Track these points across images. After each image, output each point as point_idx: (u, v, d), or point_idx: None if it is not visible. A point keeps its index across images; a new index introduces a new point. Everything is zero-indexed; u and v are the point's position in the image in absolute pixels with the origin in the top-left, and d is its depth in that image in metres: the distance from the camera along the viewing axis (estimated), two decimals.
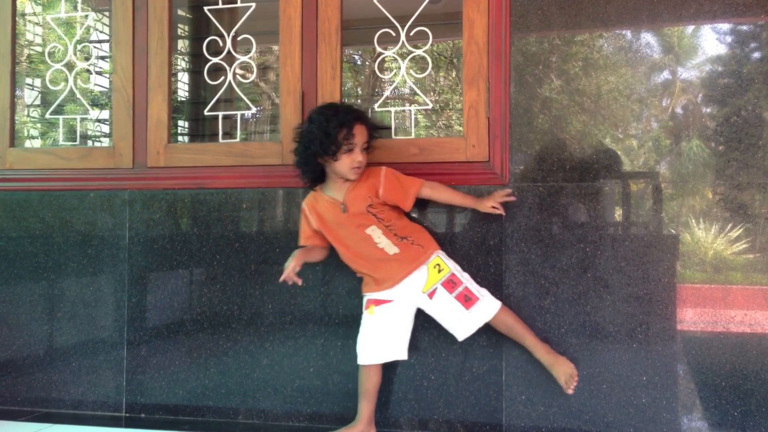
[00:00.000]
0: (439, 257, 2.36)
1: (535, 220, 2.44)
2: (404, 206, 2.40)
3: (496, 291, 2.43)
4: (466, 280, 2.35)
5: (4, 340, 2.93)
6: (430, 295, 2.33)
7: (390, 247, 2.34)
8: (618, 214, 2.44)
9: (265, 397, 2.68)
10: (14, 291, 2.93)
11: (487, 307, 2.32)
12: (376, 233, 2.34)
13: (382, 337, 2.39)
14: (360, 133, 2.34)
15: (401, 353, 2.41)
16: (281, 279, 2.33)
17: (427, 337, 2.51)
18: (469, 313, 2.31)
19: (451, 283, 2.33)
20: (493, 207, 2.37)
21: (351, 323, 2.59)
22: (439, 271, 2.34)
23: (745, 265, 2.33)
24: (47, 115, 3.46)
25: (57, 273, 2.88)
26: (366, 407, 2.42)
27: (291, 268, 2.33)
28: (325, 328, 2.64)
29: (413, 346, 2.49)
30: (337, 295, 2.63)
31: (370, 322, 2.40)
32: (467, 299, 2.31)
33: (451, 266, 2.36)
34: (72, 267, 2.87)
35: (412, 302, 2.38)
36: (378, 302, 2.38)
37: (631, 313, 2.38)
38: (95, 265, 2.85)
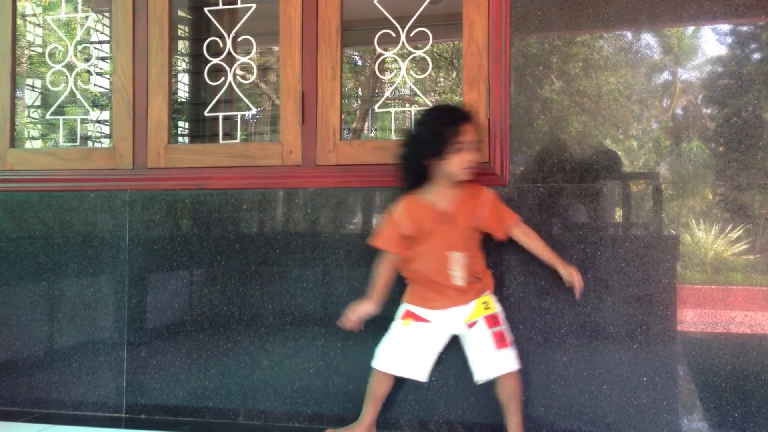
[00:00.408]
0: (490, 297, 2.34)
1: (536, 221, 2.44)
2: (499, 235, 2.36)
3: (496, 292, 2.43)
4: (506, 328, 2.33)
5: (5, 340, 2.93)
6: (470, 325, 2.30)
7: (459, 280, 2.28)
8: (618, 215, 2.44)
9: (265, 398, 2.68)
10: (14, 292, 2.93)
11: (511, 359, 2.29)
12: (458, 261, 2.29)
13: (409, 353, 2.35)
14: (470, 132, 2.28)
15: (421, 375, 2.36)
16: (347, 325, 2.36)
17: None
18: (496, 353, 2.27)
19: (492, 321, 2.29)
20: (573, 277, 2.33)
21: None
22: (486, 308, 2.31)
23: (746, 266, 2.33)
24: (47, 116, 3.46)
25: (57, 274, 2.88)
26: (370, 411, 2.41)
27: (357, 319, 2.35)
28: (325, 329, 2.63)
29: None
30: (337, 296, 2.62)
31: (403, 333, 2.35)
32: (500, 340, 2.28)
33: (498, 309, 2.34)
34: (72, 268, 2.87)
35: (449, 329, 2.35)
36: (417, 318, 2.33)
37: (631, 314, 2.38)
38: (95, 265, 2.85)
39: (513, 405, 2.31)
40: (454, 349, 2.48)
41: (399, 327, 2.37)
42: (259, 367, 2.68)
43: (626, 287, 2.38)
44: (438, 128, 2.28)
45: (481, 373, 2.32)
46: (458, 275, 2.28)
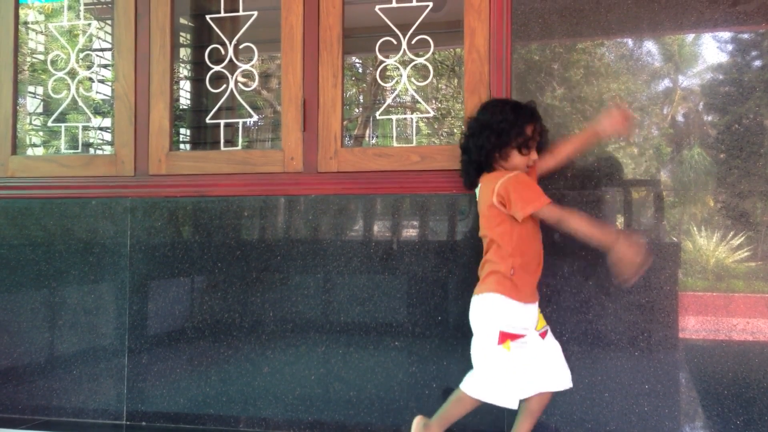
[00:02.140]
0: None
1: None
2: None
3: None
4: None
5: (6, 347, 2.93)
6: (542, 335, 2.21)
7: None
8: (619, 221, 2.44)
9: (266, 405, 2.67)
10: (16, 298, 2.93)
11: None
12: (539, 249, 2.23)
13: (513, 379, 2.14)
14: (536, 131, 2.22)
15: (517, 401, 2.16)
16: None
17: (428, 345, 2.51)
18: (566, 368, 2.24)
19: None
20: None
21: (352, 331, 2.58)
22: (542, 319, 2.26)
23: (747, 273, 2.32)
24: (49, 123, 3.46)
25: (58, 281, 2.88)
26: (527, 427, 2.25)
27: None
28: (326, 336, 2.63)
29: (414, 353, 2.49)
30: (338, 303, 2.62)
31: (506, 358, 2.13)
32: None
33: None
34: (73, 275, 2.87)
35: (536, 338, 2.21)
36: (513, 337, 2.13)
37: (633, 321, 2.37)
38: (96, 272, 2.85)
39: (538, 414, 2.24)
40: (455, 356, 2.48)
41: (500, 353, 2.13)
42: (260, 374, 2.68)
43: (628, 294, 2.37)
44: (520, 122, 2.19)
45: (564, 382, 2.22)
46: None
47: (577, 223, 2.11)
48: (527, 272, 2.17)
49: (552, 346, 2.24)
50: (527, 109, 2.23)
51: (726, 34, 2.40)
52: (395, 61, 2.77)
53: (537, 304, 2.22)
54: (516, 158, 2.19)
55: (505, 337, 2.13)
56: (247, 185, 2.75)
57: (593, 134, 2.30)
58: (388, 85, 2.65)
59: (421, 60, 2.80)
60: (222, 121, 2.94)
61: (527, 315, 2.17)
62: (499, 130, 2.18)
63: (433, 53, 2.79)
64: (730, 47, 2.39)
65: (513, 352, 2.13)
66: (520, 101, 2.30)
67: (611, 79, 2.47)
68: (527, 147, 2.18)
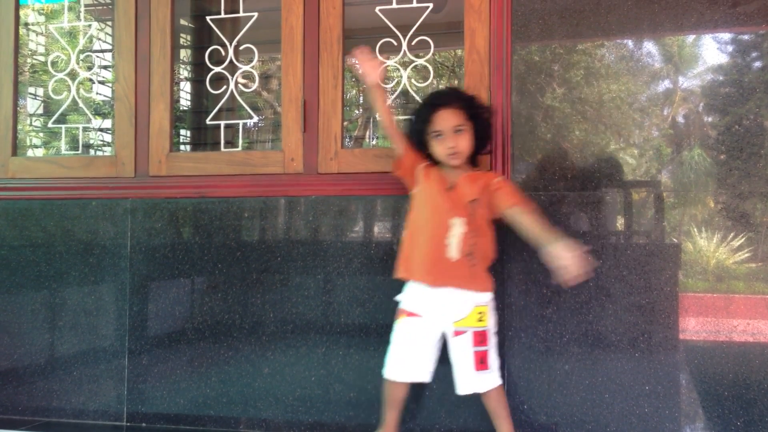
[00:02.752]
0: (487, 308, 2.27)
1: None
2: (511, 201, 2.26)
3: (498, 300, 2.43)
4: (491, 347, 2.27)
5: (6, 348, 2.93)
6: (457, 333, 2.24)
7: (453, 250, 2.22)
8: (620, 222, 2.44)
9: (266, 406, 2.67)
10: (16, 300, 2.93)
11: (490, 381, 2.25)
12: (456, 229, 2.22)
13: (406, 353, 2.29)
14: (444, 119, 2.25)
15: (423, 375, 2.30)
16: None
17: None
18: (475, 374, 2.23)
19: (479, 338, 2.24)
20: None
21: (352, 332, 2.58)
22: (479, 320, 2.24)
23: (748, 274, 2.32)
24: (50, 125, 3.46)
25: (58, 282, 2.88)
26: (390, 416, 2.35)
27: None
28: (326, 337, 2.63)
29: None
30: (338, 304, 2.62)
31: (398, 332, 2.31)
32: (481, 362, 2.23)
33: (490, 325, 2.28)
34: (73, 276, 2.87)
35: (440, 325, 2.28)
36: (409, 313, 2.29)
37: (633, 322, 2.37)
38: (97, 274, 2.85)
39: (500, 411, 2.28)
40: None
41: (396, 327, 2.32)
42: (261, 376, 2.68)
43: (628, 295, 2.37)
44: (415, 118, 2.34)
45: (460, 388, 2.28)
46: (454, 246, 2.22)
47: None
48: (413, 246, 2.29)
49: (460, 349, 2.24)
50: (433, 98, 2.35)
51: (726, 35, 2.40)
52: (395, 62, 2.77)
53: (450, 289, 2.24)
54: (434, 147, 2.29)
55: (401, 312, 2.31)
56: (248, 186, 2.75)
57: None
58: (388, 86, 2.65)
59: (421, 61, 2.80)
60: (222, 122, 2.94)
61: (424, 297, 2.26)
62: (408, 130, 2.37)
63: (434, 54, 2.79)
64: (730, 48, 2.39)
65: (403, 323, 2.29)
66: (431, 93, 2.43)
67: (611, 80, 2.47)
68: (434, 139, 2.28)
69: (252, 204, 2.73)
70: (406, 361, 2.30)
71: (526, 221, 2.23)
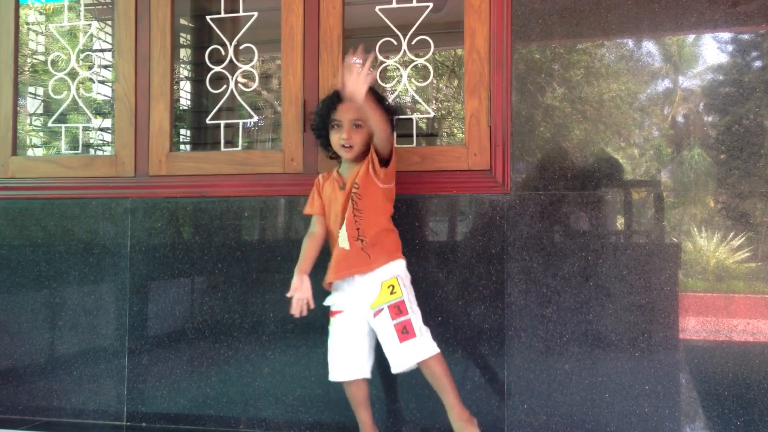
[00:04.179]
0: (397, 280, 2.22)
1: (537, 229, 2.44)
2: (376, 172, 2.25)
3: (498, 300, 2.43)
4: (413, 313, 2.20)
5: (6, 348, 2.93)
6: (376, 313, 2.21)
7: (343, 241, 2.27)
8: (620, 222, 2.44)
9: (266, 406, 2.67)
10: (16, 299, 2.93)
11: (421, 348, 2.17)
12: (341, 220, 2.28)
13: (340, 353, 2.32)
14: (345, 110, 2.29)
15: (360, 371, 2.30)
16: (295, 314, 2.26)
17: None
18: (401, 346, 2.16)
19: (396, 310, 2.19)
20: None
21: None
22: (392, 293, 2.21)
23: (748, 273, 2.32)
24: (50, 124, 3.46)
25: (59, 281, 2.88)
26: (361, 417, 2.36)
27: (300, 298, 2.26)
28: (326, 337, 2.62)
29: None
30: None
31: (331, 335, 2.35)
32: (404, 332, 2.16)
33: (405, 294, 2.21)
34: (74, 275, 2.87)
35: (362, 315, 2.27)
36: (333, 312, 2.33)
37: (633, 322, 2.37)
38: (97, 273, 2.85)
39: (443, 383, 2.20)
40: (456, 357, 2.48)
41: (329, 330, 2.36)
42: (261, 375, 2.68)
43: (628, 295, 2.37)
44: (320, 105, 2.40)
45: (393, 366, 2.20)
46: (343, 233, 2.27)
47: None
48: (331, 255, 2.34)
49: (382, 328, 2.21)
50: (327, 96, 2.40)
51: (726, 35, 2.40)
52: (395, 61, 2.77)
53: (351, 284, 2.28)
54: (331, 136, 2.34)
55: (330, 314, 2.35)
56: (248, 186, 2.75)
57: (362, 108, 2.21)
58: (388, 86, 2.65)
59: (421, 60, 2.80)
60: (222, 122, 2.94)
61: (340, 293, 2.32)
62: (320, 104, 2.43)
63: (434, 54, 2.79)
64: (730, 48, 2.39)
65: (333, 325, 2.34)
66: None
67: (611, 80, 2.47)
68: (332, 129, 2.33)
69: (252, 204, 2.73)
70: (342, 360, 2.31)
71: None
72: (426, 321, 2.36)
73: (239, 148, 2.93)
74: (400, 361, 2.19)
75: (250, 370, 2.69)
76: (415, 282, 2.34)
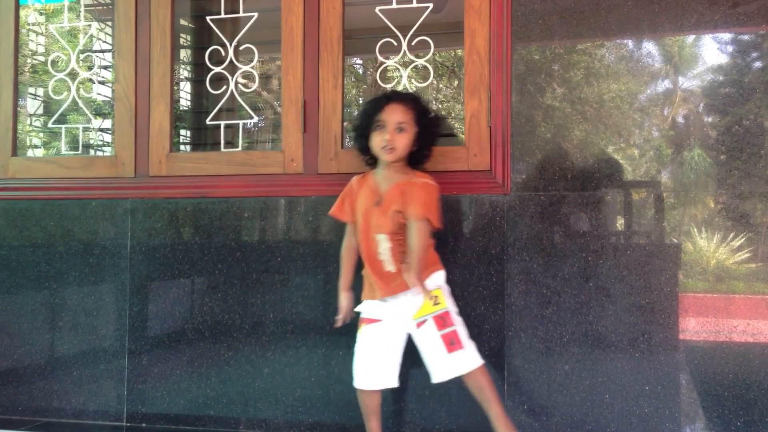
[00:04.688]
0: (440, 291, 2.25)
1: (537, 229, 2.44)
2: (410, 212, 2.22)
3: (498, 300, 2.43)
4: (458, 324, 2.23)
5: (6, 348, 2.93)
6: (419, 324, 2.22)
7: (389, 265, 2.24)
8: (620, 223, 2.44)
9: (266, 406, 2.67)
10: (16, 300, 2.93)
11: (468, 360, 2.20)
12: (383, 245, 2.24)
13: (370, 361, 2.30)
14: (391, 112, 2.27)
15: (389, 381, 2.30)
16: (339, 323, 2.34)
17: None
18: (449, 356, 2.19)
19: (441, 321, 2.21)
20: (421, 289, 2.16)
21: (353, 333, 2.58)
22: (435, 304, 2.22)
23: (748, 274, 2.32)
24: (50, 125, 3.46)
25: (59, 282, 2.88)
26: (371, 425, 2.34)
27: (345, 308, 2.34)
28: (326, 338, 2.63)
29: (414, 354, 2.48)
30: (338, 305, 2.62)
31: (360, 342, 2.32)
32: (452, 342, 2.19)
33: (449, 305, 2.25)
34: (74, 276, 2.87)
35: (401, 326, 2.27)
36: (368, 321, 2.30)
37: (633, 323, 2.37)
38: (97, 274, 2.85)
39: (486, 395, 2.22)
40: None
41: (358, 337, 2.33)
42: (261, 376, 2.68)
43: (628, 296, 2.37)
44: (365, 105, 2.36)
45: (436, 375, 2.24)
46: (387, 260, 2.24)
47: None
48: (365, 269, 2.32)
49: (426, 339, 2.22)
50: (388, 93, 2.42)
51: (726, 36, 2.40)
52: (395, 62, 2.77)
53: (401, 295, 2.23)
54: (373, 139, 2.30)
55: (361, 321, 2.32)
56: (248, 186, 2.75)
57: (408, 269, 2.20)
58: (388, 87, 2.64)
59: (421, 61, 2.80)
60: (222, 123, 2.94)
61: (380, 302, 2.28)
62: (354, 120, 2.42)
63: (434, 54, 2.79)
64: (730, 48, 2.39)
65: (364, 333, 2.30)
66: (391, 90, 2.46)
67: (611, 81, 2.47)
68: (374, 130, 2.29)
69: (252, 204, 2.73)
70: (373, 369, 2.30)
71: (409, 240, 2.21)
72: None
73: (239, 148, 2.93)
74: (446, 371, 2.22)
75: (250, 371, 2.69)
76: None
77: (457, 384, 2.38)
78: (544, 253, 2.44)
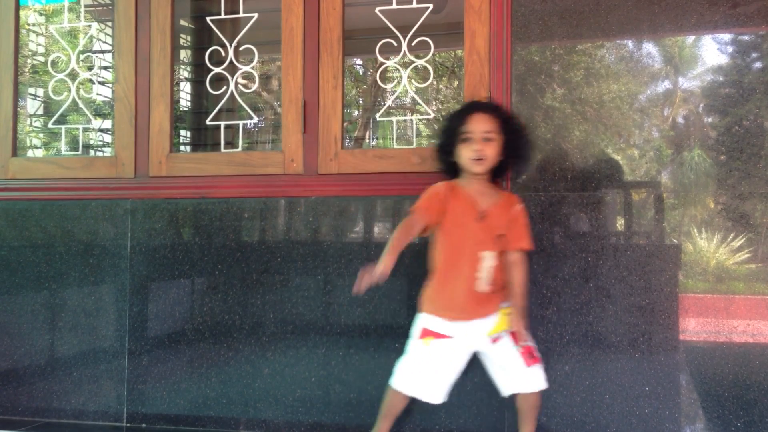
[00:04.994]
0: (513, 308, 2.22)
1: (537, 230, 2.44)
2: (515, 246, 2.23)
3: None
4: (531, 340, 2.24)
5: (6, 349, 2.93)
6: (494, 340, 2.20)
7: (484, 284, 2.17)
8: (620, 223, 2.44)
9: (266, 407, 2.67)
10: (16, 300, 2.93)
11: (542, 375, 2.23)
12: (486, 263, 2.18)
13: (429, 375, 2.21)
14: (477, 122, 2.20)
15: (438, 397, 2.23)
16: (361, 288, 2.02)
17: None
18: (528, 370, 2.19)
19: (516, 335, 2.20)
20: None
21: (352, 333, 2.58)
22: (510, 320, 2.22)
23: (748, 274, 2.32)
24: (50, 125, 3.46)
25: (59, 282, 2.88)
26: (385, 426, 2.30)
27: (381, 273, 2.01)
28: (326, 338, 2.63)
29: None
30: (338, 305, 2.62)
31: (423, 354, 2.21)
32: (531, 356, 2.20)
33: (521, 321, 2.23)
34: (74, 276, 2.87)
35: (471, 344, 2.22)
36: (437, 335, 2.19)
37: (633, 323, 2.37)
38: (97, 274, 2.85)
39: (532, 415, 2.26)
40: None
41: (419, 346, 2.22)
42: (260, 376, 2.68)
43: (628, 296, 2.37)
44: (448, 118, 2.29)
45: (511, 389, 2.25)
46: (484, 279, 2.18)
47: (393, 236, 2.13)
48: (443, 286, 2.21)
49: (503, 354, 2.21)
50: (462, 107, 2.33)
51: (726, 36, 2.40)
52: (395, 62, 2.77)
53: (483, 319, 2.20)
54: (459, 156, 2.23)
55: (426, 333, 2.21)
56: (248, 187, 2.75)
57: (513, 312, 2.21)
58: (388, 87, 2.65)
59: (421, 62, 2.80)
60: (222, 123, 2.94)
61: (454, 326, 2.19)
62: (439, 132, 2.33)
63: (434, 55, 2.79)
64: (730, 49, 2.39)
65: (431, 347, 2.19)
66: (471, 101, 2.41)
67: (611, 81, 2.47)
68: (461, 142, 2.21)
69: (252, 205, 2.73)
70: (427, 382, 2.22)
71: (517, 276, 2.22)
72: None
73: (239, 149, 2.94)
74: (525, 385, 2.22)
75: (250, 371, 2.69)
76: (415, 282, 2.34)
77: (458, 384, 2.38)
78: (544, 254, 2.44)
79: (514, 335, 2.20)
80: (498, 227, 2.21)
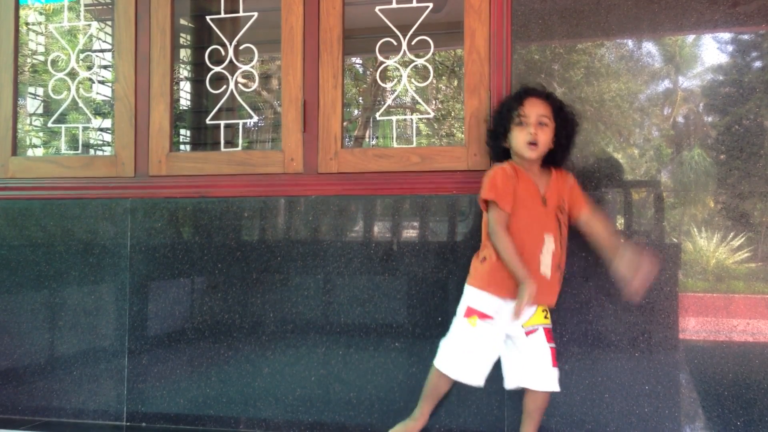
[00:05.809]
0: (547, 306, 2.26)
1: None
2: (581, 210, 2.26)
3: None
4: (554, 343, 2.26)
5: (6, 348, 2.93)
6: (528, 332, 2.21)
7: (546, 268, 2.17)
8: (620, 222, 2.44)
9: (266, 406, 2.67)
10: (16, 299, 2.93)
11: (557, 381, 2.24)
12: (548, 246, 2.18)
13: (474, 356, 2.22)
14: (532, 106, 2.20)
15: (481, 380, 2.24)
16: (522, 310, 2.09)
17: (429, 346, 2.50)
18: (552, 370, 2.21)
19: (550, 334, 2.23)
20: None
21: (352, 332, 2.58)
22: (545, 317, 2.24)
23: (748, 273, 2.32)
24: (50, 124, 3.46)
25: (58, 281, 2.88)
26: (426, 409, 2.31)
27: (533, 285, 2.07)
28: (326, 337, 2.63)
29: (415, 354, 2.48)
30: (338, 304, 2.62)
31: (470, 334, 2.21)
32: (555, 358, 2.23)
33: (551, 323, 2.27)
34: (73, 276, 2.87)
35: (505, 329, 2.22)
36: (482, 315, 2.19)
37: (633, 322, 2.37)
38: (97, 273, 2.85)
39: (537, 416, 2.26)
40: None
41: (464, 326, 2.22)
42: (260, 375, 2.68)
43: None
44: (503, 102, 2.29)
45: (526, 384, 2.24)
46: (548, 261, 2.17)
47: (501, 247, 2.14)
48: (504, 266, 2.18)
49: (535, 347, 2.22)
50: (516, 91, 2.33)
51: (726, 35, 2.40)
52: (395, 62, 2.77)
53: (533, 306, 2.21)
54: (512, 140, 2.24)
55: (472, 312, 2.21)
56: (248, 186, 2.75)
57: (618, 254, 2.22)
58: (388, 86, 2.65)
59: (421, 61, 2.80)
60: (222, 122, 2.94)
61: (499, 306, 2.19)
62: (492, 115, 2.36)
63: (433, 54, 2.79)
64: (730, 48, 2.39)
65: (478, 328, 2.19)
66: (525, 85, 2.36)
67: (611, 80, 2.47)
68: (516, 125, 2.22)
69: (252, 204, 2.73)
70: (473, 363, 2.23)
71: (600, 229, 2.25)
72: (426, 321, 2.37)
73: (239, 148, 2.94)
74: (547, 383, 2.22)
75: (249, 370, 2.69)
76: (415, 282, 2.34)
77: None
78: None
79: (547, 332, 2.22)
80: (556, 206, 2.22)
